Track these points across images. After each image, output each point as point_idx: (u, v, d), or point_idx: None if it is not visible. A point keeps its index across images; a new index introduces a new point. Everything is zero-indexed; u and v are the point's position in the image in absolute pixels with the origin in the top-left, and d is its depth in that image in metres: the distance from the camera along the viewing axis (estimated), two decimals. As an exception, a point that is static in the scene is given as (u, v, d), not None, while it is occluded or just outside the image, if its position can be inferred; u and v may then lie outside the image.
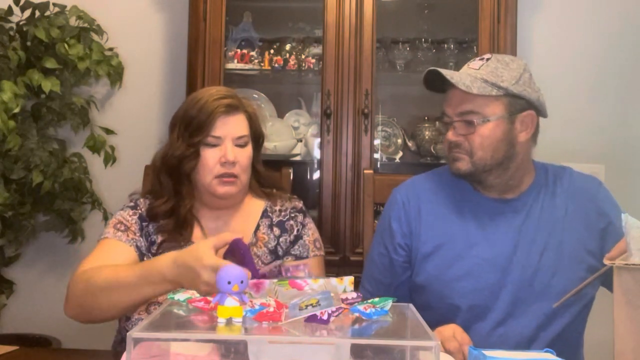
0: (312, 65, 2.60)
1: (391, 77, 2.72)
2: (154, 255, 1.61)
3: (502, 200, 1.61)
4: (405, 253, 1.64)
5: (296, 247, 1.68)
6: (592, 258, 1.57)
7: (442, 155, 2.59)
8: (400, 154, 2.70)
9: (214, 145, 1.59)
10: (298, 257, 1.66)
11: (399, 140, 2.71)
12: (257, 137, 1.68)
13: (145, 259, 1.61)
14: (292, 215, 1.71)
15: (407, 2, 2.75)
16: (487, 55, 1.58)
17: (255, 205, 1.71)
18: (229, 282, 1.07)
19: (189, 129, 1.60)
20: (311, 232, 1.71)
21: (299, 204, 1.74)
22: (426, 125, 2.66)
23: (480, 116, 1.52)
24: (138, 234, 1.62)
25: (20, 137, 2.38)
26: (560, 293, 1.51)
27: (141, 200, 1.69)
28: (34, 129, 2.50)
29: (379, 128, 2.66)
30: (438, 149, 2.61)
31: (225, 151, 1.58)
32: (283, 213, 1.71)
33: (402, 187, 1.71)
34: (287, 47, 2.67)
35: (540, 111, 1.59)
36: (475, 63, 1.57)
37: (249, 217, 1.69)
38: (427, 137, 2.64)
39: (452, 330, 1.40)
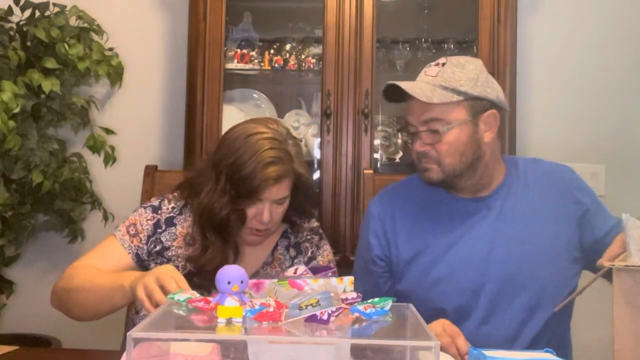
0: (312, 65, 2.60)
1: (391, 77, 2.71)
2: (168, 259, 1.62)
3: (475, 200, 1.62)
4: (384, 264, 1.66)
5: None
6: (572, 247, 1.58)
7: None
8: (400, 154, 2.70)
9: (254, 204, 1.57)
10: None
11: (399, 140, 2.71)
12: (298, 184, 1.63)
13: (146, 264, 1.62)
14: (309, 237, 1.72)
15: (407, 2, 2.75)
16: (442, 60, 1.58)
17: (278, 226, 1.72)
18: (229, 282, 1.07)
19: (237, 190, 1.54)
20: (326, 254, 1.72)
21: (316, 226, 1.75)
22: (426, 125, 2.66)
23: (444, 123, 1.53)
24: (144, 242, 1.63)
25: (20, 137, 2.38)
26: (542, 286, 1.54)
27: (165, 202, 1.68)
28: (34, 129, 2.50)
29: (379, 128, 2.66)
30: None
31: (262, 211, 1.56)
32: (300, 235, 1.72)
33: (377, 199, 1.74)
34: (287, 47, 2.67)
35: (501, 108, 1.59)
36: (431, 69, 1.56)
37: (271, 239, 1.70)
38: (427, 137, 2.64)
39: (441, 326, 1.41)
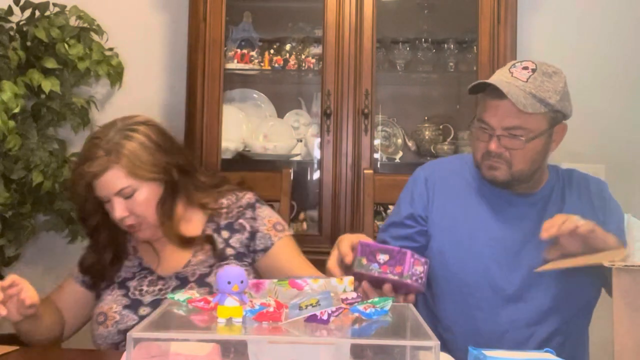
0: (312, 65, 2.60)
1: (391, 77, 2.73)
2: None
3: (518, 194, 1.65)
4: (423, 222, 1.69)
5: (257, 242, 1.66)
6: None
7: (442, 155, 2.59)
8: (400, 154, 2.70)
9: (107, 201, 1.57)
10: (265, 250, 1.66)
11: (399, 140, 2.71)
12: (163, 170, 1.59)
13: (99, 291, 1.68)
14: (240, 213, 1.68)
15: (407, 2, 2.75)
16: (531, 65, 1.56)
17: (197, 214, 1.69)
18: (229, 282, 1.07)
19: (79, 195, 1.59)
20: (266, 220, 1.68)
21: (245, 200, 1.71)
22: (426, 125, 2.66)
23: (527, 132, 1.53)
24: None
25: (20, 137, 2.38)
26: (563, 287, 1.58)
27: None
28: (34, 129, 2.50)
29: (379, 128, 2.66)
30: (438, 149, 2.61)
31: (112, 210, 1.56)
32: (230, 214, 1.68)
33: (426, 166, 1.79)
34: (287, 47, 2.67)
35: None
36: (521, 73, 1.54)
37: (191, 228, 1.67)
38: (427, 137, 2.64)
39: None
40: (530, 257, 1.59)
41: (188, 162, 1.67)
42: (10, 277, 1.45)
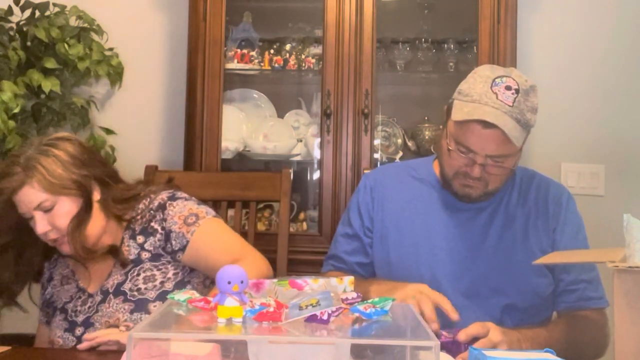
0: (312, 65, 2.60)
1: (391, 77, 2.73)
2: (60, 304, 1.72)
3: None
4: (370, 235, 1.70)
5: (173, 242, 1.63)
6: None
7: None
8: (400, 154, 2.70)
9: (30, 218, 1.57)
10: (182, 249, 1.62)
11: (399, 140, 2.71)
12: (79, 184, 1.59)
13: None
14: (151, 217, 1.66)
15: (407, 2, 2.74)
16: (513, 84, 1.50)
17: (116, 225, 1.68)
18: (229, 282, 1.07)
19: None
20: (177, 218, 1.64)
21: (157, 201, 1.68)
22: (426, 125, 2.66)
23: (509, 158, 1.52)
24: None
25: (20, 137, 2.38)
26: (518, 291, 1.57)
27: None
28: (34, 129, 2.50)
29: (379, 128, 2.66)
30: (438, 149, 2.61)
31: (34, 225, 1.57)
32: (143, 219, 1.67)
33: (372, 173, 1.80)
34: (287, 47, 2.67)
35: None
36: (505, 95, 1.48)
37: (112, 239, 1.67)
38: (427, 137, 2.64)
39: (417, 288, 1.42)
40: (475, 264, 1.59)
41: (107, 174, 1.67)
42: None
